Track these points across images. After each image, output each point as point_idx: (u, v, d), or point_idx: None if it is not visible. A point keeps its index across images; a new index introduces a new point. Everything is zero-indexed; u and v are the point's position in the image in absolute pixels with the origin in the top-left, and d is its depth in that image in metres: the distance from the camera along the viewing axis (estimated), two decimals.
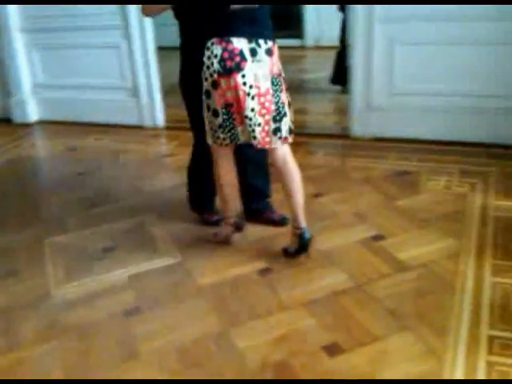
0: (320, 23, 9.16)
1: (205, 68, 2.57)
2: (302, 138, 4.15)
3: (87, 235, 3.30)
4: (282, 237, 2.98)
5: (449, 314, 2.36)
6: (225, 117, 2.60)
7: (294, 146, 2.83)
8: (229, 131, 2.64)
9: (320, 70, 7.34)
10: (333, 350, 2.20)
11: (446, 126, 4.24)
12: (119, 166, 4.44)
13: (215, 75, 2.53)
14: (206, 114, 2.68)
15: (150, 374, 2.15)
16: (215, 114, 2.62)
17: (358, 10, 4.27)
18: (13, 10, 5.42)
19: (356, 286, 2.60)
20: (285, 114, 2.66)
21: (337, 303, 2.49)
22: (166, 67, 5.31)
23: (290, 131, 2.71)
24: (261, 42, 2.53)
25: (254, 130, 2.60)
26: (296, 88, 6.26)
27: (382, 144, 4.33)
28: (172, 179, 4.06)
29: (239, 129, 2.63)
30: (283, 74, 2.67)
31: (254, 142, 2.63)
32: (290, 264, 2.81)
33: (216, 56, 2.51)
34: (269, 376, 2.10)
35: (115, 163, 4.52)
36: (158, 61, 5.23)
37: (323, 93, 6.55)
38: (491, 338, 2.19)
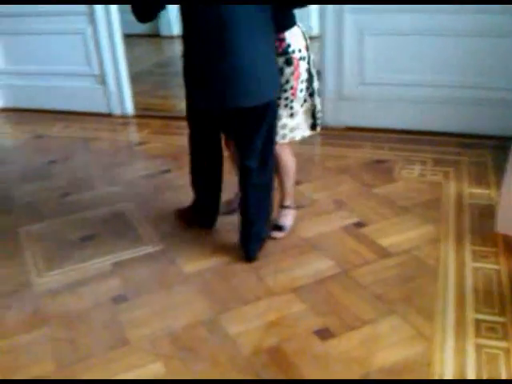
0: None
1: (309, 52, 2.66)
2: None
3: (64, 224, 3.24)
4: None
5: (434, 299, 2.41)
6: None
7: None
8: None
9: None
10: (324, 334, 2.23)
11: (417, 115, 4.30)
12: (90, 155, 4.34)
13: (312, 54, 2.69)
14: (313, 100, 2.76)
15: (143, 359, 2.14)
16: (312, 94, 2.76)
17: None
18: None
19: (342, 271, 2.63)
20: None
21: (324, 289, 2.51)
22: (129, 55, 5.24)
23: None
24: None
25: None
26: None
27: (355, 133, 4.37)
28: (145, 168, 4.02)
29: None
30: None
31: None
32: (274, 251, 2.82)
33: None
34: (262, 361, 2.11)
35: (86, 151, 4.42)
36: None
37: None
38: (478, 322, 2.25)
